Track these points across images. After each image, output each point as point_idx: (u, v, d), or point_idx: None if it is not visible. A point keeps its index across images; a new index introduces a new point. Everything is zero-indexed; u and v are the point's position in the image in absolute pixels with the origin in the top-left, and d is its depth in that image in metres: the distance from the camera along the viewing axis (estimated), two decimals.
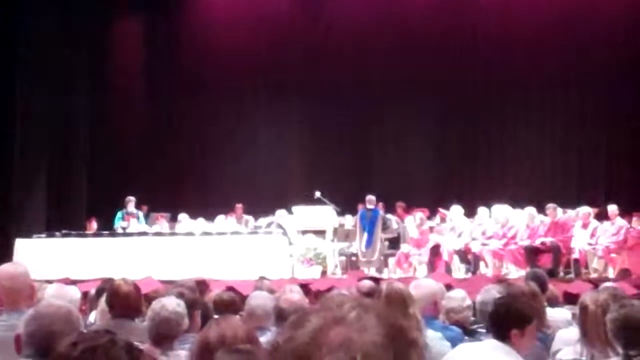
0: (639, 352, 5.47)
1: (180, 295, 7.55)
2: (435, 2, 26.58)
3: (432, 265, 20.24)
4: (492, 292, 7.74)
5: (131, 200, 22.89)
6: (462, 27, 26.00)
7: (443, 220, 21.69)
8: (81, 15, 26.82)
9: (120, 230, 22.33)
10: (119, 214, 22.79)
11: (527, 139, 25.09)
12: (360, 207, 21.54)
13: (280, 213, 21.58)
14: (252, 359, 3.22)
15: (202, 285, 12.10)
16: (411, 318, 6.79)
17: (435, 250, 20.69)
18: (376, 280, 14.32)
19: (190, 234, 21.69)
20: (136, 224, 22.58)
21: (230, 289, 12.40)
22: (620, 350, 6.15)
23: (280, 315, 7.24)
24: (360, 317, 1.72)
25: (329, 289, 12.49)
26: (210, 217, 22.74)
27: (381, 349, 1.66)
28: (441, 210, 21.86)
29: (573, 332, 7.66)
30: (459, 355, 6.31)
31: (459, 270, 20.13)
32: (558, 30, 25.12)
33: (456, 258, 20.54)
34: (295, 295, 7.94)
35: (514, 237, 20.32)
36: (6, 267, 7.20)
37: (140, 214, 22.89)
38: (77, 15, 26.75)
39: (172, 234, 22.02)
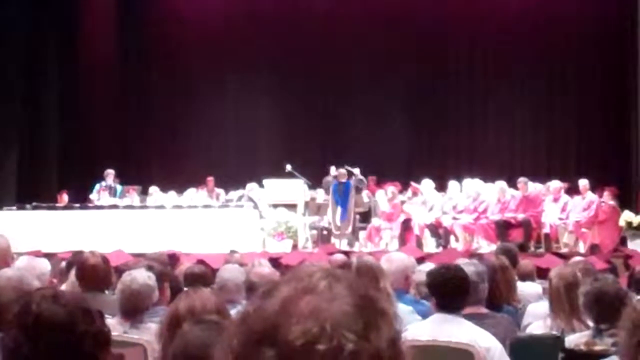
0: (609, 326, 5.47)
1: (149, 268, 7.54)
2: None
3: (403, 239, 20.29)
4: (466, 265, 7.75)
5: (110, 174, 22.82)
6: (435, 4, 26.01)
7: (415, 194, 21.68)
8: None
9: (95, 202, 22.31)
10: (97, 186, 22.74)
11: (497, 113, 25.15)
12: (330, 179, 21.49)
13: (251, 186, 21.55)
14: (218, 329, 3.20)
15: (172, 259, 12.08)
16: (382, 291, 6.79)
17: (407, 224, 20.74)
18: (347, 254, 14.36)
19: (162, 207, 21.71)
20: (107, 196, 22.53)
21: (201, 262, 12.39)
22: (590, 323, 6.17)
23: (251, 288, 7.25)
24: (330, 286, 1.69)
25: (300, 263, 12.45)
26: (180, 190, 22.72)
27: (350, 318, 1.64)
28: (413, 184, 21.84)
29: (543, 306, 7.70)
30: (427, 328, 6.33)
31: (430, 244, 20.15)
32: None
33: (427, 232, 20.58)
34: (265, 268, 7.97)
35: (484, 212, 20.39)
36: None
37: (119, 187, 22.82)
38: None
39: (143, 207, 22.02)
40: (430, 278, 6.80)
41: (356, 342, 1.63)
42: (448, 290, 6.46)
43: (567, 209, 20.09)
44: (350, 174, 21.24)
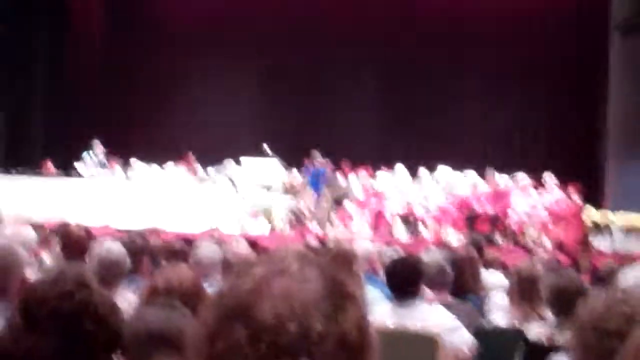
0: (568, 319, 5.50)
1: (131, 242, 7.57)
2: None
3: (375, 226, 20.29)
4: (434, 255, 7.79)
5: (97, 143, 22.70)
6: None
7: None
8: None
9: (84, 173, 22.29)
10: (85, 156, 22.64)
11: (468, 102, 25.16)
12: (305, 163, 21.51)
13: (228, 163, 21.47)
14: (195, 305, 3.21)
15: (153, 234, 12.06)
16: (354, 275, 6.82)
17: (379, 213, 20.74)
18: (321, 239, 14.40)
19: (141, 180, 21.65)
20: (93, 167, 22.48)
21: (181, 238, 12.39)
22: (549, 316, 6.19)
23: (227, 266, 7.28)
24: (301, 269, 1.75)
25: (276, 246, 12.47)
26: (160, 162, 22.64)
27: (320, 300, 1.69)
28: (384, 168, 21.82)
29: (506, 297, 7.73)
30: (394, 312, 6.36)
31: (401, 232, 20.15)
32: (493, 9, 25.34)
33: (399, 220, 20.56)
34: (243, 248, 7.99)
35: (454, 204, 20.40)
36: None
37: (104, 157, 22.74)
38: None
39: (126, 179, 21.95)
40: (386, 269, 6.86)
41: (324, 323, 1.66)
42: (399, 280, 6.52)
43: (533, 204, 20.15)
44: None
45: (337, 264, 6.64)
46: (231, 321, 1.68)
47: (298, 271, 1.74)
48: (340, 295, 1.73)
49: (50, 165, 22.99)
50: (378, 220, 20.63)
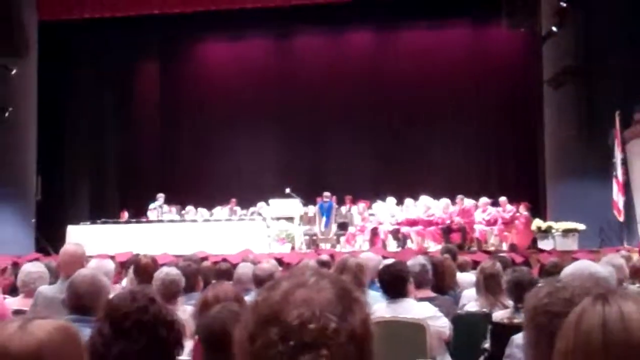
0: (523, 305, 5.51)
1: (188, 266, 7.63)
2: (367, 47, 26.78)
3: (372, 242, 20.37)
4: (418, 260, 7.82)
5: (161, 196, 22.96)
6: (390, 63, 26.13)
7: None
8: (112, 60, 26.88)
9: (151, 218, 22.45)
10: (151, 206, 22.83)
11: (439, 147, 25.24)
12: (318, 200, 21.77)
13: (261, 205, 21.76)
14: (237, 312, 3.23)
15: (204, 258, 12.06)
16: (358, 282, 6.83)
17: (374, 231, 20.83)
18: (332, 255, 14.39)
19: (195, 220, 21.84)
20: (157, 214, 22.70)
21: (225, 260, 12.39)
22: (510, 303, 6.24)
23: (257, 279, 7.33)
24: (317, 282, 1.77)
25: (298, 262, 12.46)
26: (209, 207, 22.86)
27: (333, 305, 1.71)
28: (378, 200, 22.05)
29: (475, 291, 7.77)
30: (389, 308, 6.37)
31: (392, 245, 20.21)
32: (460, 61, 25.41)
33: (390, 237, 20.68)
34: (266, 265, 8.04)
35: (431, 222, 20.52)
36: (69, 246, 7.32)
37: (165, 207, 22.94)
38: (108, 60, 26.79)
39: (182, 221, 22.10)
40: (379, 275, 6.92)
41: (337, 322, 1.69)
42: (389, 283, 6.57)
43: (493, 220, 20.32)
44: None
45: (344, 274, 6.69)
46: (266, 324, 1.70)
47: (314, 283, 1.76)
48: (348, 299, 1.75)
49: (125, 214, 23.10)
50: (374, 237, 20.71)
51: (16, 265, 12.51)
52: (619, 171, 17.65)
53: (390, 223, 20.93)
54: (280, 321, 1.69)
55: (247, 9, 24.64)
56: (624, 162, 17.84)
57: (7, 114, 22.43)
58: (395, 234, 20.65)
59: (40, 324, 2.04)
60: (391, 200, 21.59)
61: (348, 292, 1.79)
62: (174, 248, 17.36)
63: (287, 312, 1.70)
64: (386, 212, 21.36)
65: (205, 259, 12.35)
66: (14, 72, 22.59)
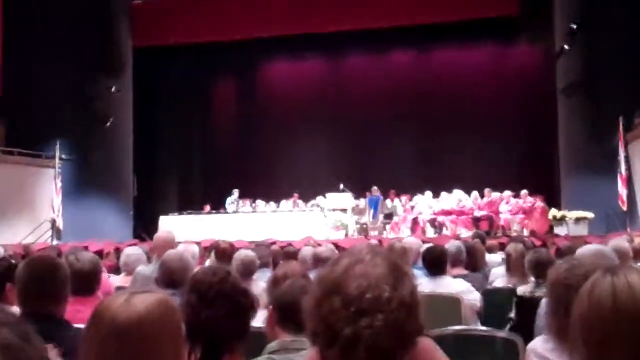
0: (544, 280, 5.44)
1: (261, 249, 7.70)
2: (407, 65, 26.67)
3: (413, 230, 20.31)
4: (454, 244, 7.79)
5: (236, 192, 23.11)
6: (426, 78, 26.03)
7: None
8: (195, 78, 27.10)
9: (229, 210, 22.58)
10: (228, 200, 22.97)
11: (472, 150, 25.02)
12: (367, 194, 21.70)
13: (319, 199, 21.76)
14: (302, 287, 3.25)
15: (273, 243, 12.09)
16: (405, 261, 6.83)
17: (415, 220, 20.77)
18: (380, 241, 14.36)
19: (264, 212, 21.95)
20: (233, 206, 22.81)
21: (290, 245, 12.41)
22: (532, 279, 6.18)
23: (317, 260, 7.43)
24: (373, 259, 1.79)
25: (351, 247, 12.43)
26: (277, 201, 22.95)
27: (386, 277, 1.73)
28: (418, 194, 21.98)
29: (502, 269, 7.73)
30: (430, 284, 6.34)
31: (430, 232, 20.14)
32: (487, 74, 25.24)
33: (428, 225, 20.59)
34: (325, 249, 8.10)
35: (463, 212, 20.40)
36: (162, 233, 7.45)
37: (240, 201, 23.07)
38: (193, 78, 27.02)
39: (254, 212, 22.21)
40: (423, 255, 6.91)
41: (390, 292, 1.70)
42: (432, 262, 6.54)
43: (516, 210, 20.15)
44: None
45: (394, 254, 6.69)
46: (330, 294, 1.71)
47: (370, 260, 1.77)
48: (398, 273, 1.76)
49: (208, 207, 23.26)
50: (415, 226, 20.64)
51: (118, 250, 12.67)
52: (623, 168, 17.68)
53: (429, 213, 20.86)
54: (342, 291, 1.70)
55: (306, 35, 24.80)
56: (627, 160, 17.85)
57: (109, 124, 22.71)
58: (433, 222, 20.59)
59: (143, 298, 2.05)
60: (429, 194, 21.55)
61: (398, 267, 1.79)
62: (248, 235, 17.46)
63: (348, 284, 1.71)
64: (425, 204, 21.31)
65: (274, 244, 12.38)
66: (113, 89, 22.88)
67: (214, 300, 3.11)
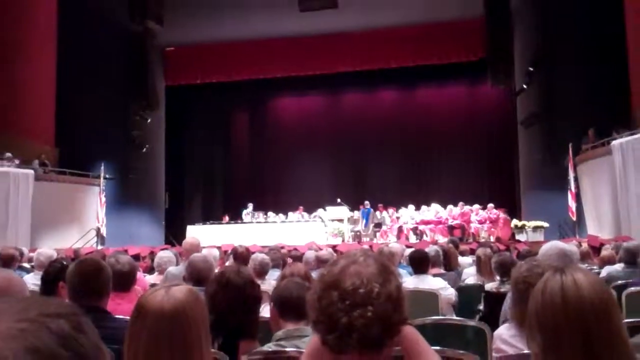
0: (508, 278, 5.44)
1: (273, 252, 7.66)
2: (393, 101, 26.73)
3: (398, 237, 20.25)
4: (433, 248, 7.77)
5: (250, 205, 23.02)
6: (409, 111, 26.13)
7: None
8: (216, 110, 27.12)
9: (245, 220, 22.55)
10: (244, 212, 22.93)
11: (447, 171, 25.06)
12: (360, 207, 21.65)
13: (320, 210, 21.70)
14: (299, 283, 3.26)
15: (282, 247, 12.07)
16: (392, 262, 6.81)
17: (400, 229, 20.72)
18: (370, 245, 14.30)
19: (275, 222, 21.87)
20: (249, 217, 22.75)
21: (296, 249, 12.39)
22: (498, 277, 6.15)
23: (319, 261, 7.36)
24: (365, 260, 1.78)
25: (347, 250, 12.39)
26: (285, 213, 22.90)
27: (376, 275, 1.72)
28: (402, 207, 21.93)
29: (473, 269, 7.67)
30: (413, 281, 6.31)
31: (412, 239, 20.08)
32: (459, 109, 25.28)
33: (411, 232, 20.54)
34: (325, 252, 8.06)
35: (440, 222, 20.36)
36: (189, 239, 7.41)
37: (255, 213, 23.02)
38: (214, 110, 27.03)
39: (266, 222, 22.16)
40: (409, 256, 6.86)
41: (379, 288, 1.69)
42: (417, 262, 6.50)
43: (483, 220, 20.11)
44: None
45: (383, 256, 6.67)
46: (329, 289, 1.70)
47: (363, 261, 1.76)
48: (386, 272, 1.75)
49: (226, 218, 23.23)
50: (400, 233, 20.59)
51: (152, 253, 12.63)
52: (572, 185, 17.69)
53: (411, 223, 20.82)
54: (339, 287, 1.69)
55: (308, 75, 24.98)
56: (576, 179, 17.82)
57: (144, 149, 22.78)
58: (415, 230, 20.52)
59: (179, 288, 2.11)
60: (411, 207, 21.48)
61: (386, 267, 1.79)
62: (261, 241, 17.42)
63: (344, 280, 1.70)
64: (408, 215, 21.26)
65: (282, 248, 12.36)
66: (149, 120, 22.95)
67: (227, 288, 3.16)
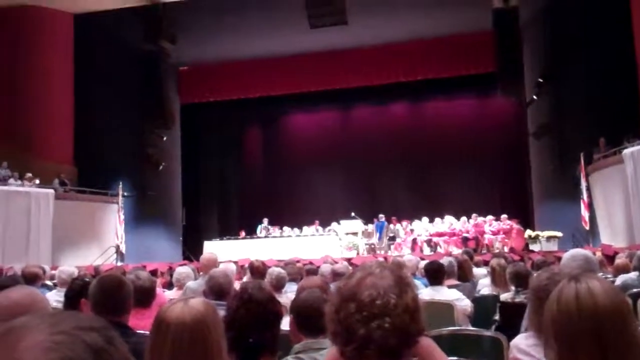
0: (522, 288, 5.42)
1: (289, 266, 7.65)
2: (404, 115, 26.72)
3: (412, 249, 20.17)
4: (447, 259, 7.74)
5: (265, 220, 23.02)
6: (420, 124, 26.08)
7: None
8: (230, 127, 27.14)
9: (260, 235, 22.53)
10: (260, 227, 22.92)
11: (460, 183, 24.95)
12: (374, 220, 21.57)
13: (335, 224, 21.67)
14: (318, 296, 3.26)
15: (297, 261, 12.07)
16: (408, 274, 6.80)
17: (414, 241, 20.64)
18: (385, 258, 14.27)
19: (290, 236, 21.85)
20: (264, 232, 22.75)
21: (311, 263, 12.38)
22: (513, 287, 6.11)
23: (334, 274, 7.36)
24: (381, 272, 1.77)
25: (362, 263, 12.35)
26: (300, 227, 22.86)
27: (392, 287, 1.71)
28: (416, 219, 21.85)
29: (487, 280, 7.63)
30: (429, 292, 6.29)
31: (427, 250, 20.00)
32: (470, 121, 25.25)
33: (425, 244, 20.46)
34: (340, 265, 8.05)
35: (454, 234, 20.28)
36: (206, 254, 7.42)
37: (270, 227, 23.00)
38: (228, 127, 27.08)
39: (281, 236, 22.14)
40: (424, 268, 6.83)
41: (396, 299, 1.68)
42: (432, 274, 6.47)
43: (496, 230, 20.01)
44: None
45: (397, 268, 6.65)
46: (347, 301, 1.70)
47: (379, 273, 1.75)
48: (402, 283, 1.74)
49: (242, 233, 23.23)
50: (414, 245, 20.51)
51: (170, 269, 12.68)
52: (585, 195, 17.61)
53: (425, 235, 20.74)
54: (357, 299, 1.69)
55: (319, 91, 25.09)
56: (588, 188, 17.72)
57: (161, 167, 22.89)
58: (429, 242, 20.42)
59: (196, 300, 2.15)
60: (425, 219, 21.42)
61: (402, 278, 1.78)
62: (276, 255, 17.41)
63: (361, 292, 1.70)
64: (422, 227, 21.17)
65: (298, 262, 12.37)
66: (164, 138, 23.08)
67: (249, 304, 3.15)
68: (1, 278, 7.42)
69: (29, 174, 18.64)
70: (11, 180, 18.19)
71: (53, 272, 9.29)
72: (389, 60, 24.00)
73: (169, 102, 23.50)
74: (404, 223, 21.79)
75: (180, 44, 21.93)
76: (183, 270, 7.53)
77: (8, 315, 1.89)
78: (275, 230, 22.86)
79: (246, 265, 10.02)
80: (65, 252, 18.31)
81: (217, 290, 4.91)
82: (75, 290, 4.17)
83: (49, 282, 8.98)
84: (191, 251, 22.40)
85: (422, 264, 8.13)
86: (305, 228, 22.74)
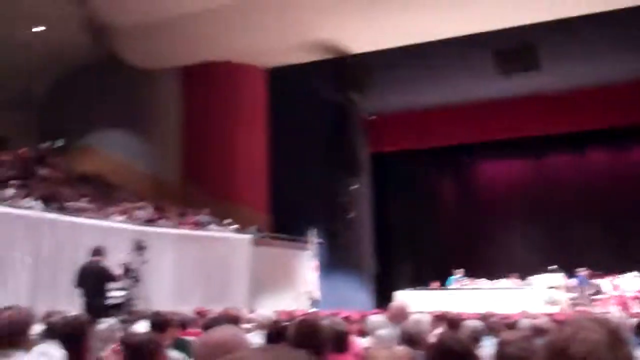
0: None
1: (486, 319, 7.48)
2: (602, 164, 25.55)
3: (619, 305, 18.92)
4: None
5: (459, 271, 22.64)
6: (617, 173, 24.79)
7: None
8: (419, 175, 27.22)
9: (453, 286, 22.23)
10: (452, 279, 22.58)
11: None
12: (574, 273, 20.62)
13: (532, 277, 21.01)
14: (525, 348, 3.17)
15: (491, 315, 11.75)
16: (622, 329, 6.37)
17: (621, 297, 19.44)
18: (588, 313, 13.53)
19: (484, 288, 21.40)
20: (457, 284, 22.41)
21: (507, 317, 11.98)
22: None
23: (535, 329, 7.00)
24: (592, 326, 1.66)
25: (565, 318, 11.77)
26: (495, 279, 22.26)
27: (604, 343, 1.59)
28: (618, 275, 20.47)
29: None
30: None
31: (635, 309, 18.64)
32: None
33: (635, 301, 19.14)
34: (542, 320, 7.72)
35: None
36: (396, 303, 7.48)
37: (463, 279, 22.60)
38: (418, 176, 27.17)
39: (476, 288, 21.69)
40: (637, 326, 6.36)
41: (608, 357, 1.61)
42: None
43: None
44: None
45: (609, 324, 6.20)
46: (556, 356, 1.66)
47: (590, 327, 1.69)
48: (616, 339, 1.66)
49: (436, 284, 22.86)
50: (620, 302, 19.24)
51: (363, 317, 12.82)
52: None
53: (633, 291, 19.41)
54: (567, 355, 1.65)
55: (511, 139, 24.75)
56: None
57: (351, 216, 23.45)
58: (638, 299, 19.10)
59: (398, 349, 2.19)
60: (632, 274, 20.10)
61: (616, 334, 1.71)
62: (470, 307, 17.06)
63: (571, 348, 1.66)
64: (629, 282, 19.87)
65: (491, 315, 12.02)
66: (354, 187, 23.68)
67: (448, 356, 3.14)
68: (211, 318, 7.92)
69: (228, 219, 19.91)
70: (212, 226, 19.46)
71: (251, 315, 9.75)
72: (584, 106, 23.29)
73: (357, 151, 24.15)
74: (609, 277, 20.51)
75: (368, 93, 22.57)
76: (376, 318, 7.59)
77: (216, 351, 2.03)
78: (469, 282, 22.43)
79: (440, 316, 9.92)
80: (259, 296, 19.14)
81: (411, 339, 4.92)
82: (275, 333, 4.38)
83: (247, 325, 9.45)
84: (382, 300, 22.55)
85: (632, 321, 7.59)
86: (502, 280, 22.15)
